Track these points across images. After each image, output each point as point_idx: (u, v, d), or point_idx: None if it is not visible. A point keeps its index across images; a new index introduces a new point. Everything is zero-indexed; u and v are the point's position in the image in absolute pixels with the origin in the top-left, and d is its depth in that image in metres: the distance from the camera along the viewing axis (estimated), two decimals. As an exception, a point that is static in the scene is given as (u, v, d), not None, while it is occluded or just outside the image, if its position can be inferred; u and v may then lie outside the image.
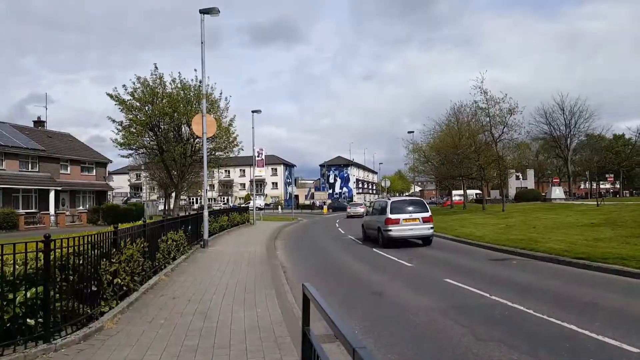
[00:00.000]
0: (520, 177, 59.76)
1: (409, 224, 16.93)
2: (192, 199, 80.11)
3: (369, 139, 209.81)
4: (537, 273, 10.45)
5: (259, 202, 74.62)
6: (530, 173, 60.75)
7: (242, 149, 31.04)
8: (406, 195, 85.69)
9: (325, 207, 62.91)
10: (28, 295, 5.24)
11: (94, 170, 45.12)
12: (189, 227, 15.27)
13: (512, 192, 55.86)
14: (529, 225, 20.33)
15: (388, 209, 17.21)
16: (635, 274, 9.37)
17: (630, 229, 15.90)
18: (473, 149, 36.42)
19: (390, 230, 16.86)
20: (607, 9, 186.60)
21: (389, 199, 19.04)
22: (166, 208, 48.31)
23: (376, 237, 18.25)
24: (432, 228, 17.49)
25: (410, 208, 17.54)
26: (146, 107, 26.77)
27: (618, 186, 77.84)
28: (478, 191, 57.07)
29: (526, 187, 57.06)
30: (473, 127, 38.12)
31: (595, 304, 7.36)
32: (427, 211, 17.62)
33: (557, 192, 46.27)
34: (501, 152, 36.10)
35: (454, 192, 54.60)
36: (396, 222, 16.86)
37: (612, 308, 7.07)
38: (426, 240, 17.61)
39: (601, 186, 74.00)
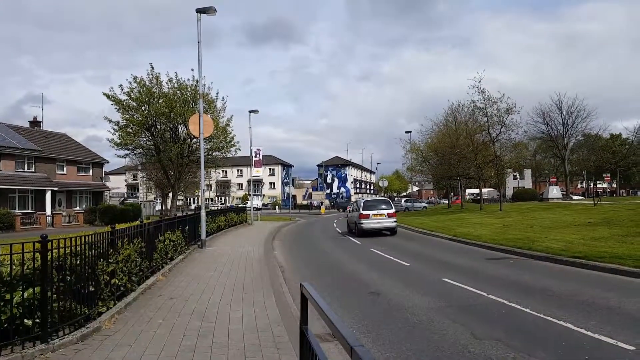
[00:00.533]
0: (518, 176, 59.87)
1: (377, 218, 21.41)
2: (190, 199, 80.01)
3: (367, 139, 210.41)
4: (534, 272, 10.49)
5: (257, 202, 74.73)
6: (528, 173, 60.91)
7: (240, 149, 31.13)
8: (403, 196, 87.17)
9: (323, 207, 62.84)
10: (25, 295, 5.24)
11: (91, 171, 45.03)
12: (187, 228, 15.26)
13: (509, 192, 55.95)
14: (526, 225, 20.41)
15: (361, 207, 21.94)
16: (632, 272, 9.43)
17: (626, 228, 15.98)
18: (471, 149, 36.47)
19: (363, 223, 21.29)
20: (605, 9, 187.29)
21: (362, 199, 23.63)
22: (163, 208, 48.25)
23: (354, 229, 22.63)
24: (395, 221, 21.86)
25: (378, 206, 22.06)
26: (143, 107, 26.76)
27: (615, 186, 78.10)
28: (489, 189, 56.93)
29: (523, 187, 57.17)
30: (471, 126, 38.20)
31: (592, 302, 7.41)
32: (392, 208, 22.18)
33: (554, 192, 46.39)
34: (499, 151, 36.16)
35: (468, 190, 53.49)
36: (367, 216, 21.32)
37: (609, 306, 7.11)
38: (392, 231, 21.87)
39: (598, 186, 74.21)
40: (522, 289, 8.62)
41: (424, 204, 58.42)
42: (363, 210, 21.54)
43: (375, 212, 21.47)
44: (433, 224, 25.34)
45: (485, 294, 8.26)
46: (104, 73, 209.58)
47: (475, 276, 10.25)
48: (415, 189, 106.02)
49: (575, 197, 53.43)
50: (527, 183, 59.74)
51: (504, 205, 35.09)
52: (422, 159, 46.14)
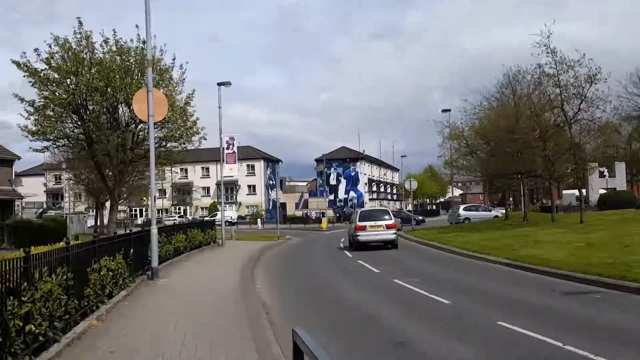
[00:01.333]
0: (607, 173, 59.61)
1: (374, 230, 26.34)
2: (135, 211, 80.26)
3: (386, 123, 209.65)
4: (632, 312, 10.50)
5: (230, 213, 74.83)
6: (621, 168, 60.64)
7: (205, 139, 31.17)
8: (441, 202, 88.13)
9: (324, 220, 62.73)
10: None
11: (-6, 171, 45.10)
12: (131, 251, 15.29)
13: (594, 196, 55.76)
14: (620, 244, 20.36)
15: (357, 218, 27.30)
16: None
17: None
18: (537, 134, 36.36)
19: (359, 235, 26.37)
20: None
21: (359, 209, 30.58)
22: (98, 224, 48.30)
23: (352, 241, 27.71)
24: (395, 233, 27.04)
25: (376, 216, 27.39)
26: (68, 80, 26.75)
27: None
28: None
29: (614, 189, 56.98)
30: (536, 102, 38.07)
31: None
32: (391, 219, 27.30)
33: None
34: (578, 137, 36.07)
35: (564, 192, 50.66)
36: (363, 228, 26.38)
37: None
38: (392, 244, 26.72)
39: None
40: (614, 337, 8.63)
41: (494, 213, 56.42)
42: (359, 221, 26.85)
43: (372, 223, 26.63)
44: (484, 243, 25.33)
45: (560, 345, 8.26)
46: (12, 33, 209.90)
47: (545, 318, 10.26)
48: (457, 192, 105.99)
49: None
50: (620, 183, 59.53)
51: (587, 215, 35.04)
52: (466, 150, 45.92)
